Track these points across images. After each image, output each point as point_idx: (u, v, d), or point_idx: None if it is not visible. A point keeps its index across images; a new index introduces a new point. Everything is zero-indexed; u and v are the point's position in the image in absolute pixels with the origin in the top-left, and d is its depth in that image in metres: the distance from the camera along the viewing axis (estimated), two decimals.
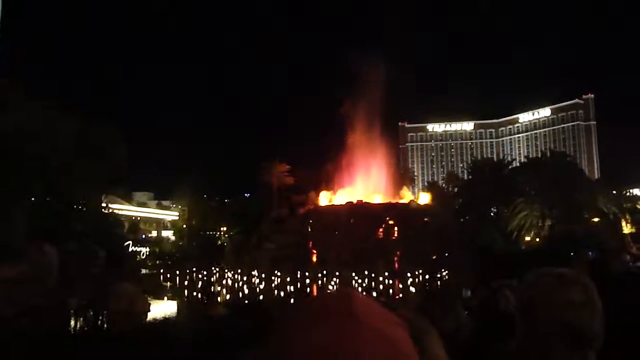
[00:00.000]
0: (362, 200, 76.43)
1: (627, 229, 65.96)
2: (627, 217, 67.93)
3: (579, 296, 2.02)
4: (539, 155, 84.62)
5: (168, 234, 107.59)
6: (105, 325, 4.29)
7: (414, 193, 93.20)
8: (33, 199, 41.55)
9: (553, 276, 2.13)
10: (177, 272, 61.77)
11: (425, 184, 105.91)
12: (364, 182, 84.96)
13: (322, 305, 0.86)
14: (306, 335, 0.80)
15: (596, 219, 63.23)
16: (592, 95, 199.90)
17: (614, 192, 68.88)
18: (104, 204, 53.14)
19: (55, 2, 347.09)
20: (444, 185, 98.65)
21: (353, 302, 0.84)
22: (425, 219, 72.20)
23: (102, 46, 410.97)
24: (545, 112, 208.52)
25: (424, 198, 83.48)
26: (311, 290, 52.48)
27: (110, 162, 45.57)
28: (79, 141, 41.51)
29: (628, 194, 74.92)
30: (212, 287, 52.77)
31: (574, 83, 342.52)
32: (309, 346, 0.78)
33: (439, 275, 56.32)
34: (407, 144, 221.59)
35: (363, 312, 0.82)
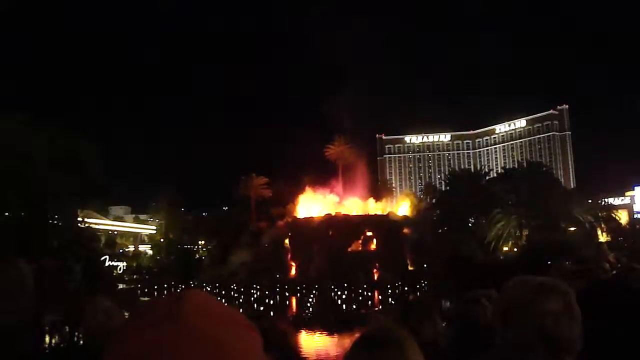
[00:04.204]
0: (340, 212, 76.56)
1: (602, 237, 66.71)
2: (603, 225, 68.74)
3: (557, 304, 2.03)
4: (516, 166, 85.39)
5: (145, 248, 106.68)
6: (81, 342, 4.23)
7: (391, 204, 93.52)
8: (8, 213, 40.97)
9: (532, 284, 2.14)
10: (155, 287, 61.25)
11: (403, 195, 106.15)
12: (342, 194, 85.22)
13: (153, 309, 0.87)
14: (130, 339, 0.81)
15: (572, 228, 63.88)
16: (567, 106, 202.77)
17: (589, 201, 69.68)
18: (79, 218, 52.52)
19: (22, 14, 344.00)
20: (422, 196, 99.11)
21: (183, 304, 0.83)
22: (404, 230, 72.49)
23: (78, 57, 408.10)
24: (521, 123, 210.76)
25: (402, 209, 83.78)
26: (290, 303, 52.34)
27: (87, 175, 45.19)
28: (54, 155, 41.15)
29: (603, 203, 75.78)
30: None
31: (549, 94, 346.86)
32: (131, 351, 0.79)
33: (417, 286, 56.48)
34: (385, 156, 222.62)
35: (192, 314, 0.82)
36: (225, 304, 0.94)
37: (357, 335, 2.25)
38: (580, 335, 2.02)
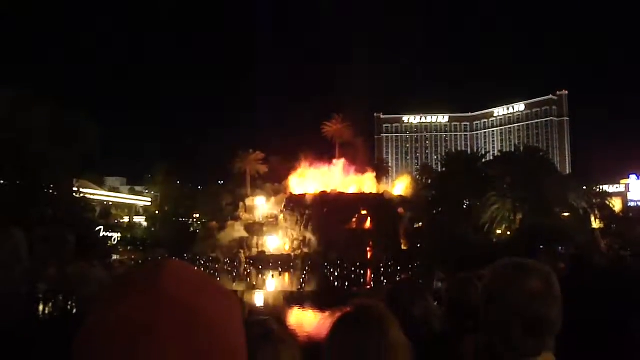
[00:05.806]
0: (335, 190, 76.53)
1: (595, 224, 66.91)
2: (596, 212, 68.93)
3: (538, 285, 2.06)
4: (513, 150, 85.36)
5: (140, 219, 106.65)
6: (74, 311, 4.27)
7: (387, 184, 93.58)
8: (3, 181, 40.90)
9: (513, 265, 2.17)
10: (149, 259, 61.38)
11: (400, 175, 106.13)
12: (338, 172, 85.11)
13: (133, 277, 0.89)
14: (110, 308, 0.82)
15: (566, 214, 64.06)
16: (566, 92, 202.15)
17: (584, 187, 69.77)
18: (75, 188, 52.42)
19: None
20: (418, 176, 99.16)
21: (161, 273, 0.85)
22: (399, 210, 72.60)
23: (75, 29, 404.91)
24: (519, 107, 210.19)
25: (398, 189, 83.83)
26: (282, 278, 52.58)
27: (83, 146, 45.11)
28: (51, 124, 41.02)
29: (597, 190, 75.98)
30: None
31: (549, 79, 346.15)
32: (109, 319, 0.80)
33: (410, 266, 56.67)
34: (382, 135, 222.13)
35: (169, 282, 0.84)
36: (204, 273, 0.95)
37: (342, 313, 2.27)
38: (560, 316, 2.05)
